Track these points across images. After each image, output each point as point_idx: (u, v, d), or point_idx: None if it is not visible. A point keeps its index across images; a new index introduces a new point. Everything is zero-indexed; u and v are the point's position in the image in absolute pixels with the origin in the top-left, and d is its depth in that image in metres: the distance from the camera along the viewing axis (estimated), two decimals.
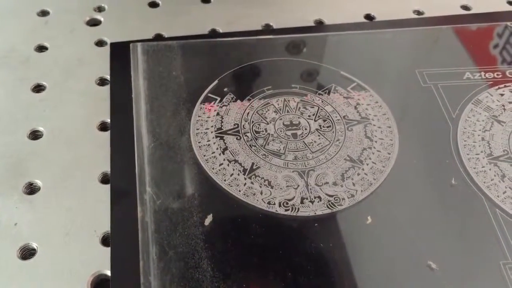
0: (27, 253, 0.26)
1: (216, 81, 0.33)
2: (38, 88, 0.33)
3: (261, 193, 0.28)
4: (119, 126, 0.31)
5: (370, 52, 0.37)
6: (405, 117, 0.32)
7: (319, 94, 0.33)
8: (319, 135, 0.31)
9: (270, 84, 0.33)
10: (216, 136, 0.30)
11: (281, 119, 0.31)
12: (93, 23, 0.38)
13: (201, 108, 0.32)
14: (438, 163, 0.30)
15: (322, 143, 0.30)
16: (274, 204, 0.27)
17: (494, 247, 0.26)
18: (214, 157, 0.29)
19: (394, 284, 0.25)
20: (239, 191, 0.28)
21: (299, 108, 0.32)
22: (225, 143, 0.30)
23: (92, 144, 0.30)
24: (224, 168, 0.29)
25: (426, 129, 0.32)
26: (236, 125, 0.31)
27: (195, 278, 0.24)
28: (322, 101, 0.33)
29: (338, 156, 0.30)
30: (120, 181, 0.28)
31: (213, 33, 0.38)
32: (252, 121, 0.31)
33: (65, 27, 0.37)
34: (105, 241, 0.26)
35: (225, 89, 0.33)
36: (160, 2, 0.40)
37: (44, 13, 0.39)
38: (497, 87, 0.34)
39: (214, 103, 0.32)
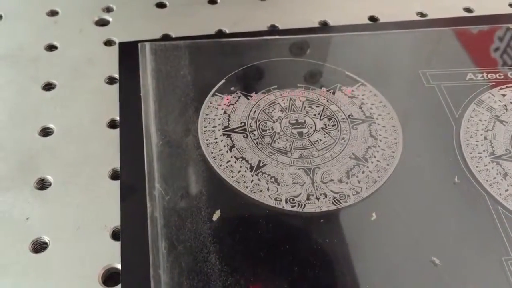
0: (39, 246, 0.26)
1: (223, 80, 0.34)
2: (48, 87, 0.34)
3: (268, 189, 0.28)
4: (128, 124, 0.31)
5: (374, 53, 0.37)
6: (409, 116, 0.33)
7: (324, 93, 0.34)
8: (324, 134, 0.31)
9: (276, 84, 0.34)
10: (224, 134, 0.31)
11: (287, 117, 0.32)
12: (102, 23, 0.39)
13: (208, 106, 0.32)
14: (441, 162, 0.30)
15: (328, 141, 0.31)
16: (281, 200, 0.28)
17: (496, 244, 0.27)
18: (222, 154, 0.30)
19: (398, 279, 0.26)
20: (246, 187, 0.28)
21: (305, 107, 0.33)
22: (232, 141, 0.30)
23: (102, 141, 0.31)
24: (231, 165, 0.29)
25: (429, 129, 0.32)
26: (243, 124, 0.31)
27: (204, 272, 0.25)
28: (327, 101, 0.33)
29: (343, 154, 0.30)
30: (130, 177, 0.29)
31: (220, 34, 0.38)
32: (259, 120, 0.32)
33: (74, 27, 0.38)
34: (115, 235, 0.27)
35: (232, 88, 0.33)
36: (167, 3, 0.41)
37: (53, 13, 0.39)
38: (499, 87, 0.35)
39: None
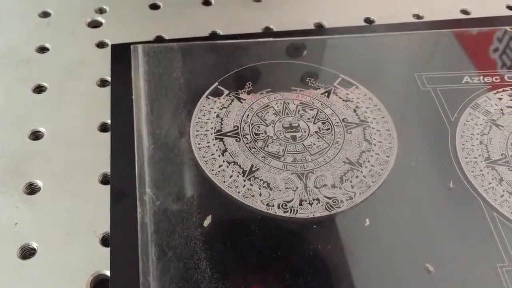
0: (27, 252, 0.26)
1: (216, 83, 0.33)
2: (39, 89, 0.33)
3: (260, 194, 0.28)
4: (119, 127, 0.31)
5: (370, 55, 0.37)
6: (404, 120, 0.32)
7: (319, 96, 0.33)
8: (318, 138, 0.31)
9: (270, 87, 0.34)
10: (216, 138, 0.30)
11: (280, 121, 0.32)
12: (94, 24, 0.38)
13: (201, 110, 0.32)
14: (437, 166, 0.30)
15: (321, 145, 0.30)
16: (273, 205, 0.27)
17: (491, 250, 0.26)
18: (214, 158, 0.29)
19: (392, 286, 0.25)
20: (238, 192, 0.28)
21: (299, 110, 0.32)
22: (224, 145, 0.30)
23: (93, 145, 0.30)
24: (223, 170, 0.29)
25: (424, 133, 0.32)
26: (236, 127, 0.31)
27: (194, 279, 0.24)
28: (322, 104, 0.33)
29: (337, 158, 0.30)
30: (120, 182, 0.28)
31: (214, 35, 0.38)
32: (252, 123, 0.31)
33: (67, 29, 0.38)
34: (104, 241, 0.26)
35: (225, 91, 0.33)
36: (161, 4, 0.40)
37: (45, 15, 0.39)
38: (495, 91, 0.34)
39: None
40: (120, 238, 0.26)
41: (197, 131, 0.31)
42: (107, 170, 0.29)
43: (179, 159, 0.29)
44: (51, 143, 0.30)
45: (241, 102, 0.32)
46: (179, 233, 0.26)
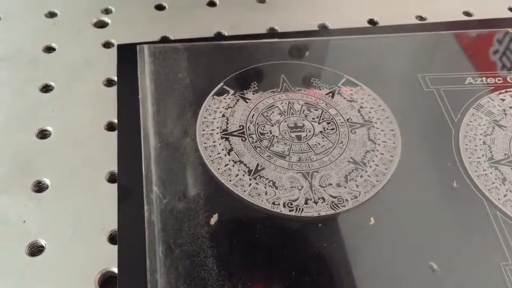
0: (35, 250, 0.26)
1: (221, 83, 0.34)
2: (46, 88, 0.34)
3: (266, 193, 0.28)
4: (126, 126, 0.31)
5: (373, 56, 0.37)
6: (408, 120, 0.33)
7: (323, 96, 0.33)
8: (323, 138, 0.31)
9: (274, 87, 0.34)
10: (222, 137, 0.31)
11: (285, 121, 0.32)
12: (100, 25, 0.39)
13: (206, 109, 0.32)
14: (440, 166, 0.30)
15: (326, 145, 0.31)
16: (279, 204, 0.28)
17: (494, 249, 0.26)
18: (220, 158, 0.30)
19: (396, 284, 0.25)
20: (244, 191, 0.28)
21: (303, 110, 0.33)
22: (230, 144, 0.30)
23: (100, 144, 0.31)
24: (229, 169, 0.29)
25: (428, 133, 0.32)
26: (241, 127, 0.31)
27: (201, 276, 0.25)
28: (326, 104, 0.33)
29: (342, 158, 0.30)
30: (127, 180, 0.29)
31: (219, 36, 0.38)
32: (257, 123, 0.32)
33: (73, 29, 0.38)
34: (112, 239, 0.26)
35: (230, 91, 0.33)
36: (166, 5, 0.40)
37: (52, 15, 0.39)
38: (498, 92, 0.35)
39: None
40: (127, 236, 0.26)
41: (203, 130, 0.31)
42: (114, 168, 0.29)
43: (185, 158, 0.30)
44: (58, 142, 0.31)
45: (247, 102, 0.33)
46: (186, 231, 0.26)
